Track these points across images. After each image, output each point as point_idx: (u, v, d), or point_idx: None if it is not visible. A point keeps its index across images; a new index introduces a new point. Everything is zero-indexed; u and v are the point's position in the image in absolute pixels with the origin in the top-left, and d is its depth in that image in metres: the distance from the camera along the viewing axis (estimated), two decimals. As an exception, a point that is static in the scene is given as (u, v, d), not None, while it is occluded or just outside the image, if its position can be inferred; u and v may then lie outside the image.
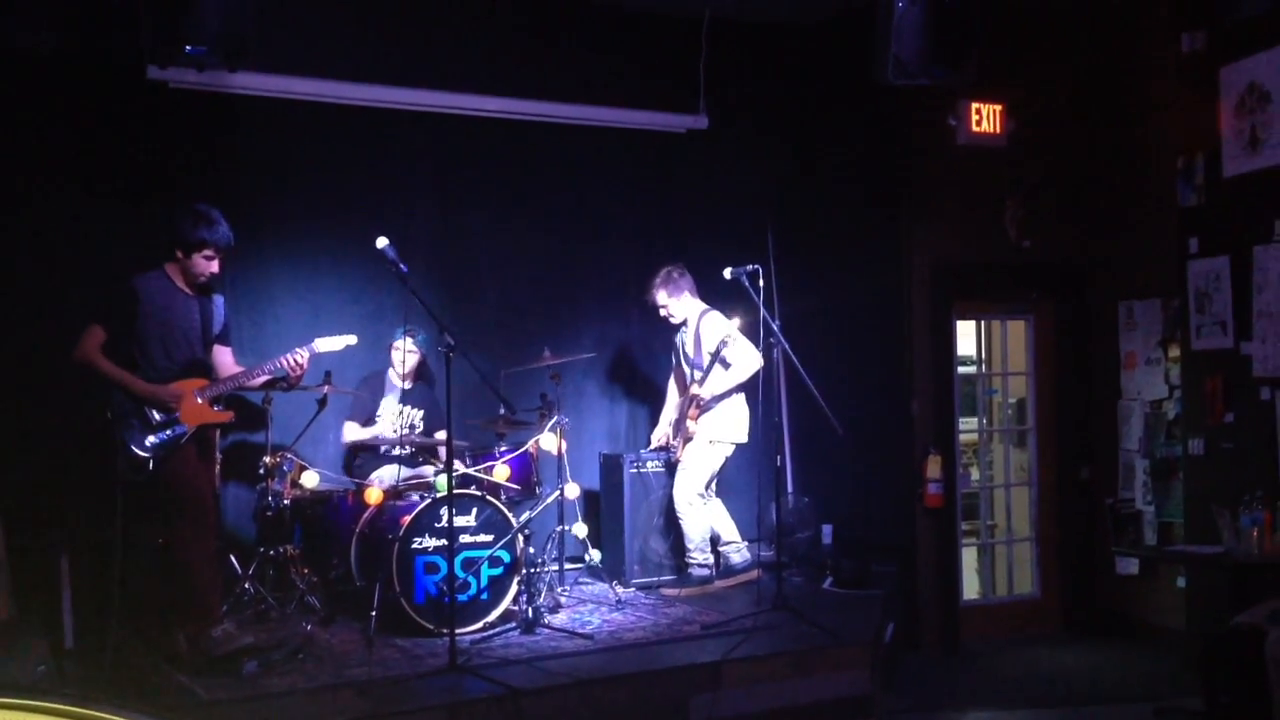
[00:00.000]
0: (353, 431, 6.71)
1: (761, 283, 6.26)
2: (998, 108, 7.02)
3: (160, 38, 4.74)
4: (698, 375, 6.77)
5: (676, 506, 6.86)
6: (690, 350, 6.90)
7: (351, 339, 5.97)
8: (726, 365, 6.64)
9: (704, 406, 6.76)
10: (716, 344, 6.60)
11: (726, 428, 6.79)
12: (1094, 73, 7.27)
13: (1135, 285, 7.06)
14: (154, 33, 4.73)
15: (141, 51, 4.89)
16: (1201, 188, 6.39)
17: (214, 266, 5.35)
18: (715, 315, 6.79)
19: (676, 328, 7.00)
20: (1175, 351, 6.72)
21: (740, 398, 6.82)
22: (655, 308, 6.95)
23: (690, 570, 6.88)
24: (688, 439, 6.82)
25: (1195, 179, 6.43)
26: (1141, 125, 6.99)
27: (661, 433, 7.16)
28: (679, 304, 6.89)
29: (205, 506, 5.42)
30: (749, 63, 7.85)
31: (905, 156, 7.08)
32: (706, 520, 6.85)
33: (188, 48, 4.77)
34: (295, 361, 5.55)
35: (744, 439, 6.83)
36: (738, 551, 6.92)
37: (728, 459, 6.88)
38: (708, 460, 6.83)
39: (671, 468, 6.98)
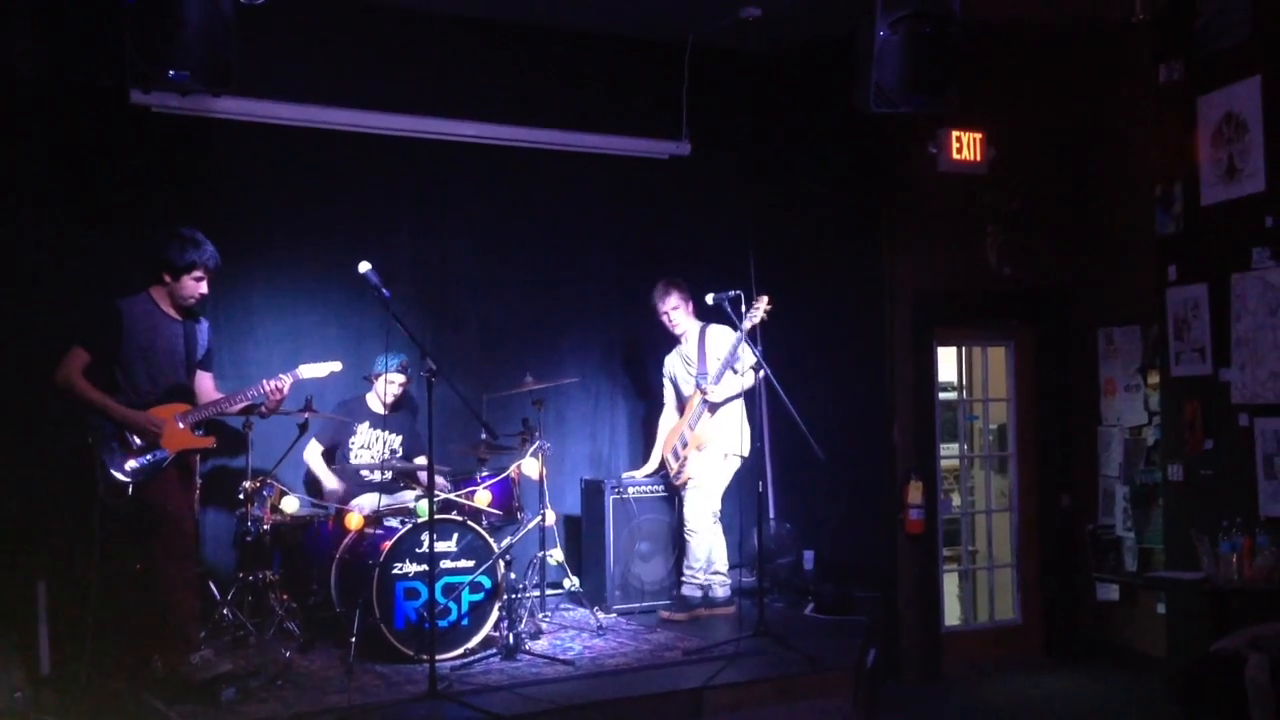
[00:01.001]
0: (313, 453, 6.66)
1: (744, 308, 6.29)
2: (978, 136, 7.07)
3: (143, 62, 4.73)
4: (704, 383, 6.69)
5: (690, 525, 6.79)
6: (693, 360, 6.86)
7: (336, 366, 6.00)
8: (735, 371, 6.65)
9: (714, 410, 6.71)
10: (729, 348, 6.56)
11: (738, 440, 6.75)
12: (1073, 101, 7.33)
13: (1115, 312, 7.10)
14: (137, 57, 4.71)
15: (125, 76, 4.88)
16: (1180, 216, 6.45)
17: (203, 287, 5.39)
18: (720, 326, 6.79)
19: (666, 349, 7.00)
20: (1154, 378, 6.76)
21: (742, 409, 6.82)
22: (662, 313, 6.91)
23: (685, 593, 6.84)
24: (698, 447, 6.75)
25: (1173, 207, 6.48)
26: (1120, 153, 7.06)
27: (660, 456, 7.10)
28: (685, 313, 6.92)
29: (185, 532, 5.40)
30: (731, 90, 7.90)
31: (886, 184, 7.12)
32: (714, 543, 6.83)
33: (171, 72, 4.76)
34: (275, 387, 5.55)
35: (748, 452, 6.81)
36: (723, 585, 6.88)
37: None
38: (722, 475, 6.82)
39: (671, 490, 6.97)
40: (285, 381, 5.63)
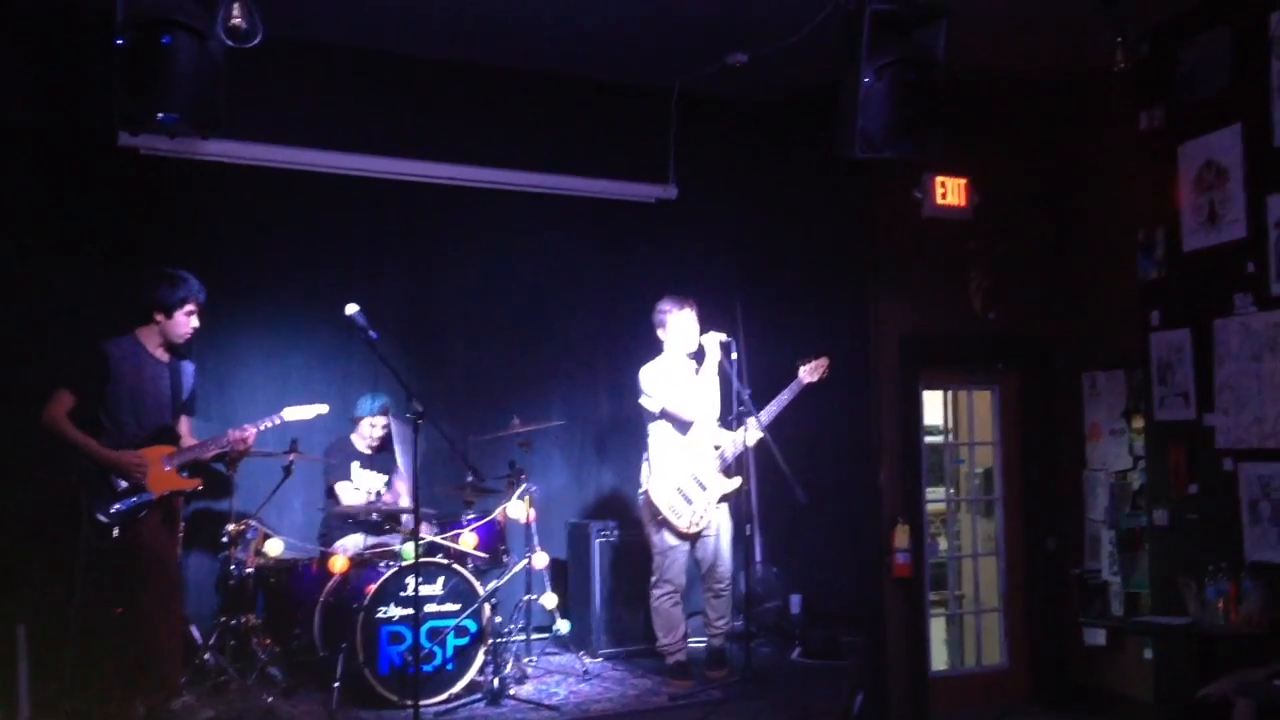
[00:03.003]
0: (347, 493, 6.58)
1: (734, 355, 6.30)
2: (962, 182, 7.13)
3: (132, 104, 4.74)
4: (742, 407, 6.25)
5: (729, 576, 6.43)
6: (710, 384, 6.44)
7: (323, 408, 6.00)
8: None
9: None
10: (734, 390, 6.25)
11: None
12: (1056, 147, 7.41)
13: (1099, 356, 7.14)
14: (126, 99, 4.73)
15: (113, 118, 4.89)
16: (1162, 261, 6.50)
17: (195, 322, 5.49)
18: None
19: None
20: (1139, 422, 6.78)
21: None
22: (685, 326, 6.47)
23: (718, 645, 6.48)
24: (731, 493, 6.41)
25: (1156, 253, 6.54)
26: (1103, 199, 7.12)
27: (705, 502, 6.35)
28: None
29: (169, 575, 5.38)
30: (718, 135, 7.96)
31: (872, 228, 7.16)
32: None
33: (160, 115, 4.77)
34: (240, 437, 5.58)
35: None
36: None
37: None
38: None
39: (690, 539, 6.37)
40: (250, 433, 5.65)
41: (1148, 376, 6.53)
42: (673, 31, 6.66)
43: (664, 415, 6.38)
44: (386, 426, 6.67)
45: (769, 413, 6.32)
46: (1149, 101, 6.56)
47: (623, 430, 7.76)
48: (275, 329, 6.90)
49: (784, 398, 6.37)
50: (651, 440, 6.44)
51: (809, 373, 6.40)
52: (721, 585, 6.42)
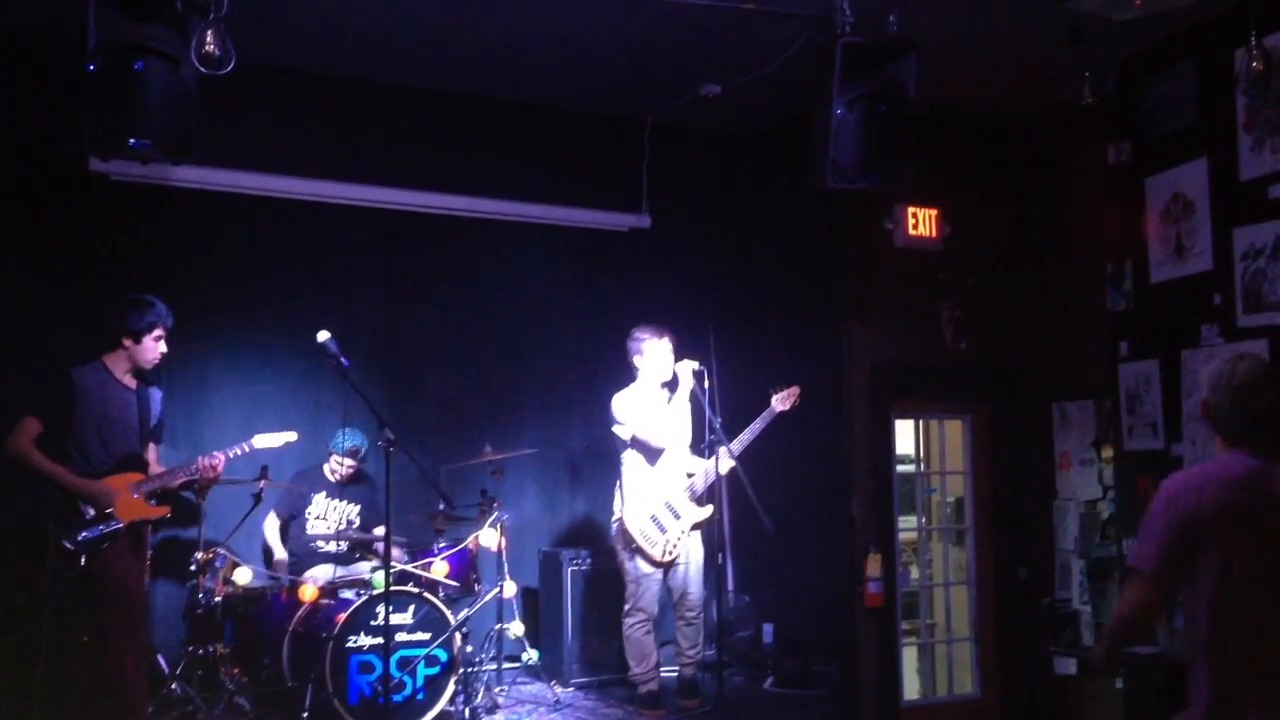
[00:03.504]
0: (270, 525, 6.60)
1: (706, 384, 6.30)
2: (933, 212, 7.19)
3: (104, 131, 4.72)
4: (713, 435, 6.24)
5: (700, 604, 6.45)
6: (684, 416, 6.47)
7: (292, 436, 5.97)
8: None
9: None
10: (706, 418, 6.27)
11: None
12: (1026, 180, 7.48)
13: (1068, 387, 7.19)
14: (97, 126, 4.70)
15: (84, 143, 4.87)
16: (1130, 293, 6.57)
17: (163, 346, 5.47)
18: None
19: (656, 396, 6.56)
20: (1108, 452, 6.82)
21: None
22: (660, 357, 6.47)
23: (690, 675, 6.45)
24: (703, 521, 6.41)
25: (1124, 284, 6.60)
26: (1072, 231, 7.19)
27: (679, 530, 6.36)
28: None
29: (136, 604, 5.32)
30: (691, 165, 8.00)
31: (844, 258, 7.21)
32: None
33: (132, 141, 4.74)
34: (209, 465, 5.54)
35: None
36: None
37: None
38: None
39: (668, 568, 6.37)
40: (219, 460, 5.62)
41: (1117, 406, 6.58)
42: (647, 62, 6.71)
43: (634, 443, 6.38)
44: (353, 467, 6.64)
45: (741, 441, 6.33)
46: (1116, 135, 6.64)
47: (595, 458, 7.74)
48: (247, 356, 6.86)
49: (756, 426, 6.38)
50: (624, 468, 6.43)
51: (781, 401, 6.43)
52: (693, 613, 6.40)
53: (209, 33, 4.64)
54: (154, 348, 5.39)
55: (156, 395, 5.58)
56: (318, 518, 6.61)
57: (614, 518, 6.44)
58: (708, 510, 6.43)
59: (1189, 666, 3.15)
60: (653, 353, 6.47)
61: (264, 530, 6.61)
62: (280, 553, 6.56)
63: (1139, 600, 3.20)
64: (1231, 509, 3.08)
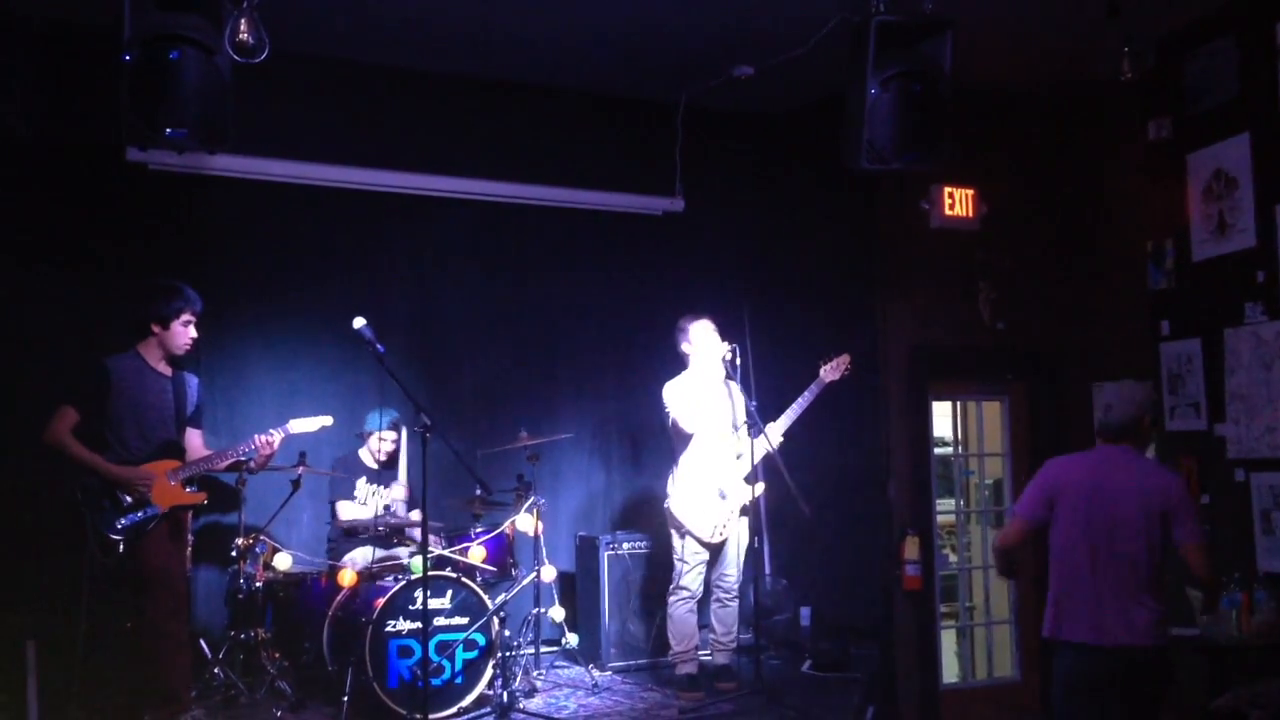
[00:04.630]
0: (348, 510, 6.60)
1: (737, 362, 6.28)
2: (970, 192, 7.11)
3: (140, 121, 4.76)
4: (745, 421, 6.26)
5: (738, 586, 6.45)
6: (737, 399, 6.43)
7: (327, 420, 6.00)
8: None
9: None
10: (744, 400, 6.29)
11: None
12: (1064, 158, 7.39)
13: (1108, 367, 7.09)
14: (134, 115, 4.74)
15: (121, 133, 4.91)
16: (1171, 272, 6.48)
17: (193, 332, 5.49)
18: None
19: (657, 396, 6.53)
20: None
21: None
22: (709, 342, 6.42)
23: (726, 662, 6.45)
24: (751, 501, 6.41)
25: (1165, 263, 6.52)
26: (1111, 210, 7.10)
27: (727, 511, 6.35)
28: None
29: (177, 590, 5.37)
30: (725, 147, 7.96)
31: (879, 240, 7.15)
32: None
33: (168, 130, 4.78)
34: (266, 441, 5.57)
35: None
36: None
37: None
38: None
39: (713, 551, 6.37)
40: (276, 437, 5.65)
41: (1158, 387, 6.50)
42: (678, 45, 6.67)
43: (673, 428, 6.37)
44: (396, 441, 6.67)
45: (790, 415, 6.37)
46: (1156, 111, 6.55)
47: (631, 442, 7.75)
48: (283, 343, 6.90)
49: (805, 398, 6.39)
50: (676, 451, 6.45)
51: (830, 371, 6.43)
52: (729, 595, 6.41)
53: (242, 21, 4.67)
54: (184, 333, 5.41)
55: (193, 381, 5.62)
56: (361, 503, 6.64)
57: (665, 501, 6.44)
58: (758, 489, 6.46)
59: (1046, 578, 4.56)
60: (700, 337, 6.45)
61: (343, 516, 6.54)
62: (359, 512, 6.53)
63: (1011, 532, 4.68)
64: (1078, 481, 4.48)
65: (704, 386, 6.45)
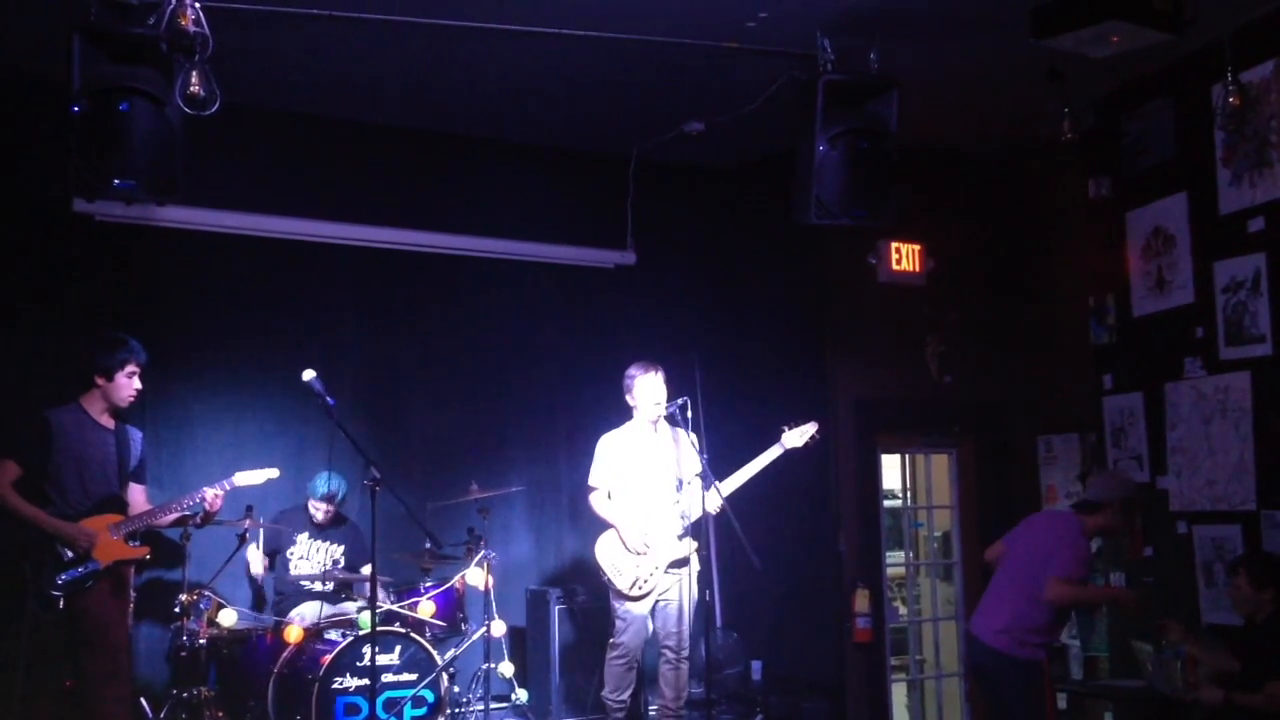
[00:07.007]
0: (254, 557, 6.46)
1: (689, 414, 6.27)
2: (917, 247, 7.23)
3: (88, 171, 4.72)
4: (696, 480, 6.09)
5: (684, 647, 6.24)
6: (686, 451, 6.27)
7: (273, 473, 5.93)
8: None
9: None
10: (695, 453, 6.06)
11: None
12: (1008, 214, 7.53)
13: (1053, 420, 7.21)
14: (82, 166, 4.71)
15: (68, 184, 4.87)
16: (1113, 327, 6.60)
17: (137, 383, 5.40)
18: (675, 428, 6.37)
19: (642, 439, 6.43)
20: (1094, 485, 6.83)
21: None
22: (655, 395, 6.30)
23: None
24: (682, 558, 6.23)
25: (1107, 318, 6.64)
26: (1054, 265, 7.23)
27: (650, 565, 6.19)
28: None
29: (118, 646, 5.27)
30: (676, 201, 8.01)
31: (827, 294, 7.24)
32: None
33: (116, 181, 4.75)
34: (215, 495, 5.49)
35: None
36: None
37: None
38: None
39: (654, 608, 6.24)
40: (221, 491, 5.58)
41: (1101, 440, 6.60)
42: (630, 100, 6.75)
43: (591, 488, 6.33)
44: (329, 513, 6.57)
45: (744, 474, 6.19)
46: (1096, 170, 6.70)
47: (583, 495, 7.69)
48: (231, 395, 6.83)
49: (763, 461, 6.19)
50: (600, 505, 6.39)
51: (794, 437, 6.19)
52: (675, 656, 6.23)
53: (194, 74, 4.67)
54: (128, 385, 5.34)
55: (136, 435, 5.54)
56: (301, 557, 6.55)
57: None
58: (686, 546, 6.27)
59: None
60: (643, 388, 6.37)
61: (248, 560, 6.47)
62: (259, 569, 6.44)
63: (990, 556, 5.66)
64: (1029, 522, 5.65)
65: (641, 439, 6.39)
